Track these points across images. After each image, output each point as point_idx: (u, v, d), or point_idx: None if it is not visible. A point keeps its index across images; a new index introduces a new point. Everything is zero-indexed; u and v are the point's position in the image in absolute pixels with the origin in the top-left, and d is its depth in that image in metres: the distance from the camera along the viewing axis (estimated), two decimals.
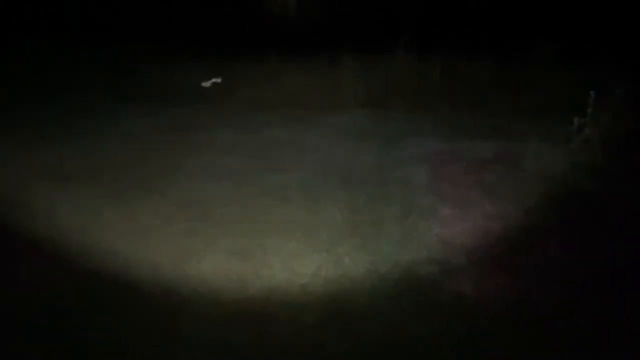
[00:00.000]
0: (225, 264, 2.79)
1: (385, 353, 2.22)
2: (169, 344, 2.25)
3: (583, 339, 2.26)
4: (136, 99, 5.96)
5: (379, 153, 4.43)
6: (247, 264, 2.78)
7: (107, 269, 2.72)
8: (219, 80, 5.35)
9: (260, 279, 2.66)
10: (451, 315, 2.40)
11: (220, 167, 4.09)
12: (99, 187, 3.69)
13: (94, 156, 4.38)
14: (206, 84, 5.29)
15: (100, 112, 5.73)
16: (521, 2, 6.32)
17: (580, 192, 3.43)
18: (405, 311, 2.43)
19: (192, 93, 6.09)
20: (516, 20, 6.10)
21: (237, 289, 2.59)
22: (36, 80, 6.23)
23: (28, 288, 2.57)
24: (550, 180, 3.60)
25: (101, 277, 2.65)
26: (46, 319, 2.36)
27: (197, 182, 3.82)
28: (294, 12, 7.67)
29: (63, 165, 4.15)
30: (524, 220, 3.17)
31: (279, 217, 3.25)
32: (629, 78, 3.67)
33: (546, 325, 2.32)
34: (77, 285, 2.59)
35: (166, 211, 3.33)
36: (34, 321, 2.35)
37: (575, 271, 2.70)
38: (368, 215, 3.29)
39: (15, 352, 2.19)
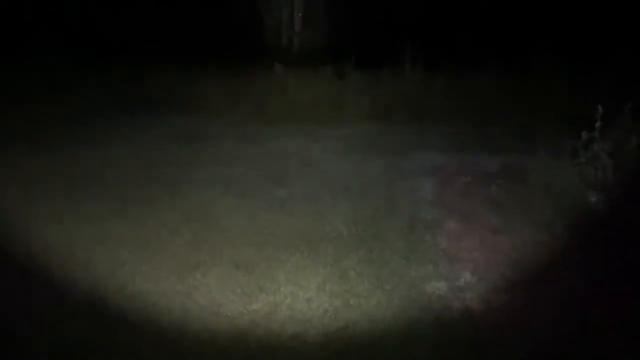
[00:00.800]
0: (230, 276, 2.76)
1: None
2: (172, 358, 2.22)
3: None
4: (143, 109, 5.96)
5: (385, 166, 4.41)
6: (252, 276, 2.76)
7: (111, 280, 2.69)
8: None
9: (264, 292, 2.63)
10: (460, 336, 2.35)
11: (225, 179, 4.08)
12: (103, 197, 3.68)
13: (99, 166, 4.37)
14: None
15: (107, 121, 5.72)
16: (526, 15, 6.32)
17: (588, 207, 3.39)
18: (411, 329, 2.39)
19: (199, 103, 6.11)
20: (521, 32, 6.10)
21: (242, 302, 2.56)
22: (41, 87, 6.23)
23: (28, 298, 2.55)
24: (557, 195, 3.55)
25: (105, 288, 2.63)
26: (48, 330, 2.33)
27: (203, 193, 3.80)
28: (300, 25, 7.71)
29: (68, 173, 4.14)
30: (532, 235, 3.13)
31: (283, 230, 3.23)
32: (637, 91, 3.64)
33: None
34: (80, 297, 2.56)
35: (171, 222, 3.31)
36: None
37: (585, 287, 2.65)
38: (373, 228, 3.26)
39: None
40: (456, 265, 2.86)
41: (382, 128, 5.53)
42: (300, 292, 2.63)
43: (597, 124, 3.31)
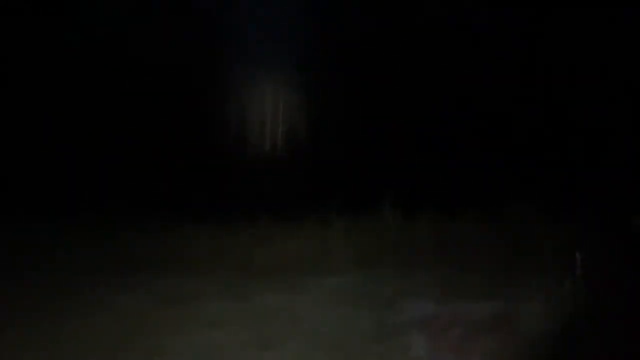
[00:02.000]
0: None
1: None
2: None
3: None
4: (119, 269, 5.85)
5: (374, 319, 4.31)
6: None
7: None
8: None
9: None
10: None
11: (206, 345, 3.91)
12: None
13: (74, 337, 4.17)
14: None
15: (81, 285, 5.49)
16: (500, 161, 6.70)
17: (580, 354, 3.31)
18: None
19: (179, 260, 6.04)
20: (498, 178, 6.43)
21: None
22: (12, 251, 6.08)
23: None
24: (547, 343, 3.49)
25: None
26: None
27: None
28: (282, 178, 8.01)
29: (41, 347, 3.93)
30: None
31: None
32: (612, 235, 3.77)
33: None
34: None
35: None
36: None
37: None
38: None
39: None
40: None
41: (369, 276, 5.50)
42: None
43: (578, 272, 3.36)
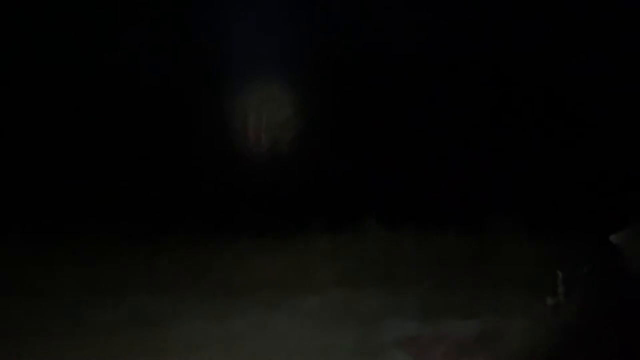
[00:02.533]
0: None
1: None
2: None
3: None
4: (95, 288, 5.68)
5: (357, 338, 4.25)
6: None
7: None
8: None
9: None
10: None
11: None
12: None
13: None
14: None
15: (65, 306, 5.33)
16: (485, 176, 6.73)
17: None
18: None
19: (156, 280, 5.88)
20: (482, 194, 6.45)
21: None
22: None
23: None
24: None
25: None
26: None
27: None
28: (264, 193, 7.91)
29: None
30: None
31: None
32: (596, 252, 3.78)
33: None
34: None
35: None
36: None
37: None
38: None
39: None
40: None
41: (351, 294, 5.42)
42: None
43: (560, 289, 3.35)
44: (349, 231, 6.24)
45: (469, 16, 7.25)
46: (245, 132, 7.79)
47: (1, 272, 5.85)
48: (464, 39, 7.22)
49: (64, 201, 6.97)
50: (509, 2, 7.13)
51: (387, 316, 4.70)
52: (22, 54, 7.21)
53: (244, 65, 7.48)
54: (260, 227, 6.50)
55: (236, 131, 7.71)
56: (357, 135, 7.34)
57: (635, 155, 6.38)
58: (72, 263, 6.22)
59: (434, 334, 4.17)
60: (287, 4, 7.50)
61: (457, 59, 7.27)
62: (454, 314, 4.50)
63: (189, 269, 6.09)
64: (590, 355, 3.31)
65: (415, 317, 4.58)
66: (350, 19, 7.45)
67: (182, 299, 5.48)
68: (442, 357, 3.75)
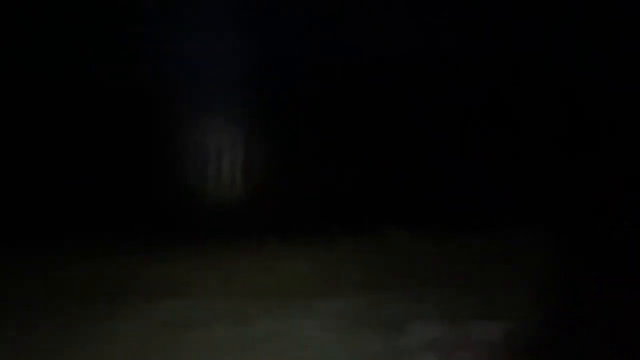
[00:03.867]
0: None
1: None
2: None
3: None
4: (116, 295, 5.74)
5: (382, 343, 4.24)
6: None
7: None
8: None
9: None
10: None
11: None
12: None
13: None
14: None
15: (82, 313, 5.37)
16: (507, 179, 6.68)
17: None
18: None
19: (182, 286, 5.95)
20: (505, 197, 6.41)
21: None
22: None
23: None
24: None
25: None
26: None
27: None
28: (284, 199, 7.95)
29: None
30: None
31: None
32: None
33: None
34: None
35: None
36: None
37: None
38: None
39: None
40: None
41: (375, 299, 5.40)
42: None
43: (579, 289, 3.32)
44: (372, 235, 6.25)
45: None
46: (268, 137, 7.84)
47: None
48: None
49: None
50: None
51: (412, 319, 4.67)
52: None
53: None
54: (284, 232, 6.55)
55: (260, 136, 7.77)
56: (379, 140, 7.37)
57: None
58: (99, 266, 6.33)
59: (460, 337, 4.15)
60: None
61: (475, 62, 7.26)
62: (479, 317, 4.47)
63: (213, 273, 6.16)
64: (618, 351, 3.28)
65: (441, 320, 4.55)
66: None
67: (208, 305, 5.54)
68: (469, 359, 3.73)
